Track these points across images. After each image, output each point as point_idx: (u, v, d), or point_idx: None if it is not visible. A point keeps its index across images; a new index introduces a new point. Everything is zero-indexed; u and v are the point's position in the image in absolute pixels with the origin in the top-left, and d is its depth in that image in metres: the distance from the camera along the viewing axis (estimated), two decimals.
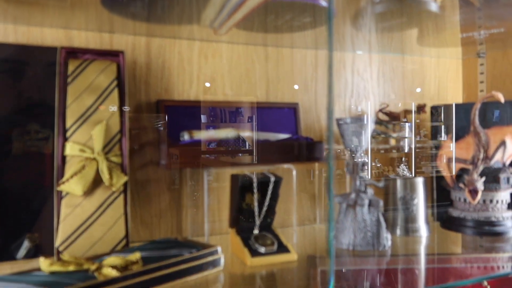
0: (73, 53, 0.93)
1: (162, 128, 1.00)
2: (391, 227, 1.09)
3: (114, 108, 0.90)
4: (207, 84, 1.08)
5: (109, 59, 0.95)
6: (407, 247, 1.02)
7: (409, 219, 1.07)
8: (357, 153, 0.99)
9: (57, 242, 0.83)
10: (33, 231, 0.87)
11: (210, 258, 0.79)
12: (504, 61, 1.32)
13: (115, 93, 0.92)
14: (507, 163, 1.05)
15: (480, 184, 1.00)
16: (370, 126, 0.98)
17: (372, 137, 1.18)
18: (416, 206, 1.06)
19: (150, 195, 1.03)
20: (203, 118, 1.04)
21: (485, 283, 1.17)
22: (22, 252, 0.86)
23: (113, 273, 0.66)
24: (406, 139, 1.22)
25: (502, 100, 1.07)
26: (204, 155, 0.96)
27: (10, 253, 0.85)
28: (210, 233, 1.07)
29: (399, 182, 1.08)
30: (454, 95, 1.44)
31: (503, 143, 1.02)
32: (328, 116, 0.59)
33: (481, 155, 1.03)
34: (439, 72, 1.41)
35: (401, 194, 1.07)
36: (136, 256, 0.71)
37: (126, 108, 0.91)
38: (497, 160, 1.04)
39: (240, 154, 0.99)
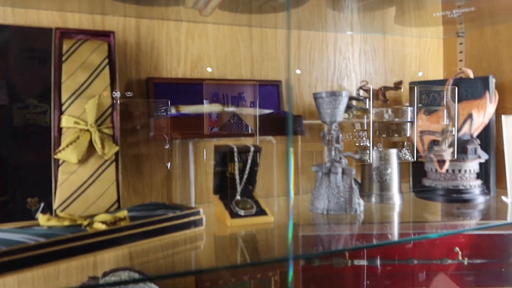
0: (67, 33, 1.01)
1: (151, 103, 1.08)
2: (367, 195, 1.16)
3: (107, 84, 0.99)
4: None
5: (100, 39, 1.02)
6: (380, 213, 1.10)
7: (384, 188, 1.15)
8: (332, 126, 1.06)
9: (55, 205, 0.92)
10: (34, 196, 0.96)
11: (192, 218, 0.88)
12: (481, 40, 1.38)
13: (106, 70, 0.99)
14: (475, 135, 1.11)
15: (447, 154, 1.07)
16: (344, 101, 1.05)
17: (349, 111, 1.26)
18: (390, 175, 1.14)
19: (141, 166, 1.11)
20: (190, 94, 1.12)
21: (457, 249, 1.25)
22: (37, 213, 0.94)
23: (102, 227, 0.75)
24: (386, 116, 1.29)
25: (472, 76, 1.14)
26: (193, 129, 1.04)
27: (14, 215, 0.94)
28: (198, 202, 1.16)
29: (374, 154, 1.15)
30: (435, 73, 1.50)
31: (470, 116, 1.09)
32: (287, 90, 0.67)
33: (450, 128, 1.10)
34: (420, 51, 1.47)
35: (376, 165, 1.15)
36: (123, 213, 0.80)
37: (116, 92, 0.98)
38: (465, 132, 1.11)
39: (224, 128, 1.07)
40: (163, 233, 0.83)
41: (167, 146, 1.06)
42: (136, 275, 1.00)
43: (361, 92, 1.32)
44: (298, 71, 1.31)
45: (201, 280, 1.08)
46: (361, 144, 1.14)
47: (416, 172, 1.29)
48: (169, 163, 1.12)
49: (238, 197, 1.01)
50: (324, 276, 1.22)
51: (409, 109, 1.19)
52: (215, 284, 1.08)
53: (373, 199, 1.15)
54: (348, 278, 1.23)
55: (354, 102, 1.31)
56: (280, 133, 1.11)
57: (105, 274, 1.00)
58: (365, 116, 1.18)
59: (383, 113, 1.29)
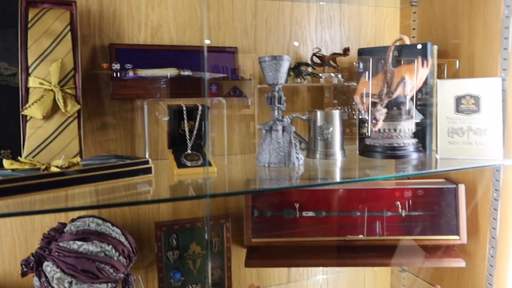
0: (33, 2, 1.11)
1: (113, 67, 1.19)
2: (313, 152, 1.28)
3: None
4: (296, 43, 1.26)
5: (63, 8, 1.13)
6: (320, 167, 1.22)
7: (327, 145, 1.26)
8: (275, 87, 1.17)
9: (23, 156, 1.05)
10: (7, 148, 1.09)
11: (141, 166, 1.01)
12: (431, 9, 1.46)
13: (68, 37, 1.10)
14: (408, 97, 1.22)
15: (379, 114, 1.18)
16: (285, 65, 1.15)
17: (300, 76, 1.36)
18: (331, 134, 1.25)
19: (105, 124, 1.23)
20: (150, 60, 1.23)
21: (398, 203, 1.38)
22: None
23: (56, 170, 0.88)
24: (335, 80, 1.40)
25: (407, 42, 1.24)
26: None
27: None
28: (160, 157, 1.29)
29: (318, 114, 1.26)
30: (391, 41, 1.58)
31: (403, 79, 1.19)
32: (202, 59, 0.77)
33: (385, 90, 1.21)
34: (376, 19, 1.55)
35: (319, 124, 1.26)
36: (77, 159, 0.93)
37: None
38: (399, 94, 1.21)
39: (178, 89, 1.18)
40: (114, 177, 0.96)
41: (127, 106, 1.18)
42: (100, 221, 1.15)
43: (314, 59, 1.42)
44: (296, 43, 1.41)
45: (159, 226, 1.22)
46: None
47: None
48: (129, 121, 1.25)
49: (188, 151, 1.13)
50: (276, 226, 1.36)
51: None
52: (171, 229, 1.22)
53: (318, 155, 1.27)
54: (297, 228, 1.37)
55: (310, 69, 1.42)
56: (230, 95, 1.23)
57: (72, 220, 1.14)
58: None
59: (332, 77, 1.39)
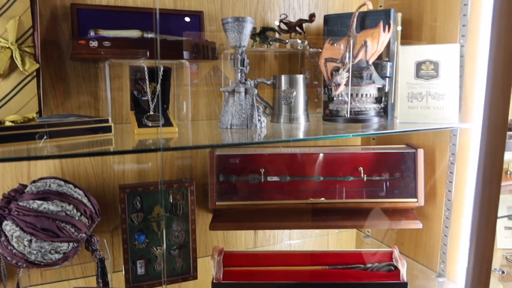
0: None
1: (73, 26, 1.17)
2: (277, 116, 1.30)
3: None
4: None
5: None
6: (282, 130, 1.23)
7: (290, 109, 1.28)
8: (239, 50, 1.17)
9: None
10: None
11: (100, 124, 1.01)
12: None
13: None
14: (370, 61, 1.24)
15: (340, 78, 1.19)
16: (248, 27, 1.15)
17: (266, 42, 1.37)
18: (295, 98, 1.27)
19: (66, 85, 1.22)
20: (113, 21, 1.22)
21: (360, 168, 1.41)
22: None
23: (11, 124, 0.87)
24: (300, 46, 1.41)
25: (371, 7, 1.25)
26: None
27: None
28: (120, 122, 1.28)
29: (283, 78, 1.27)
30: None
31: (365, 43, 1.20)
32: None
33: (348, 55, 1.22)
34: None
35: (283, 88, 1.27)
36: (32, 114, 0.92)
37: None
38: (361, 59, 1.23)
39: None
40: (72, 134, 0.96)
41: (90, 68, 1.17)
42: (62, 182, 1.15)
43: (282, 25, 1.43)
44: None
45: (123, 188, 1.23)
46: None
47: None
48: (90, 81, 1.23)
49: (151, 113, 1.13)
50: (241, 190, 1.38)
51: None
52: (135, 191, 1.23)
53: (282, 120, 1.29)
54: (262, 193, 1.39)
55: (276, 35, 1.42)
56: (194, 58, 1.23)
57: (33, 182, 1.14)
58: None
59: (298, 44, 1.40)
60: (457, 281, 1.32)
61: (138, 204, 1.24)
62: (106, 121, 1.02)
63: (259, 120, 1.18)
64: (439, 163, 1.35)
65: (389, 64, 1.29)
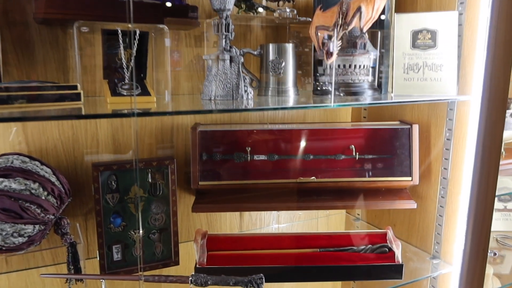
0: None
1: None
2: (265, 89, 1.20)
3: None
4: None
5: None
6: (272, 103, 1.14)
7: (279, 81, 1.19)
8: (223, 14, 1.07)
9: None
10: None
11: (69, 91, 0.90)
12: None
13: None
14: (364, 29, 1.15)
15: (332, 46, 1.11)
16: None
17: (252, 10, 1.27)
18: (284, 69, 1.18)
19: (30, 51, 1.10)
20: None
21: (352, 147, 1.33)
22: None
23: None
24: (289, 15, 1.31)
25: None
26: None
27: None
28: (93, 95, 1.17)
29: (271, 47, 1.18)
30: None
31: (359, 9, 1.12)
32: None
33: (340, 21, 1.14)
34: None
35: (271, 58, 1.18)
36: None
37: None
38: (355, 26, 1.14)
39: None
40: (36, 101, 0.85)
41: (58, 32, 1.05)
42: (27, 159, 1.03)
43: None
44: None
45: (97, 166, 1.12)
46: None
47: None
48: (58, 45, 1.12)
49: (126, 81, 1.03)
50: (225, 169, 1.29)
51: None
52: (109, 169, 1.13)
53: (270, 92, 1.20)
54: (249, 172, 1.30)
55: (264, 2, 1.33)
56: (174, 22, 1.12)
57: None
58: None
59: (287, 13, 1.31)
60: (452, 263, 1.26)
61: (113, 183, 1.14)
62: (75, 87, 0.91)
63: (245, 91, 1.08)
64: (434, 139, 1.28)
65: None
